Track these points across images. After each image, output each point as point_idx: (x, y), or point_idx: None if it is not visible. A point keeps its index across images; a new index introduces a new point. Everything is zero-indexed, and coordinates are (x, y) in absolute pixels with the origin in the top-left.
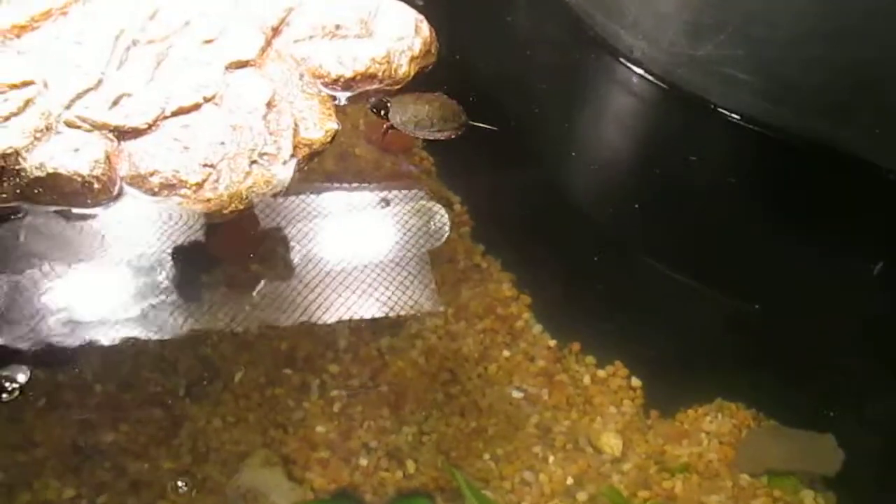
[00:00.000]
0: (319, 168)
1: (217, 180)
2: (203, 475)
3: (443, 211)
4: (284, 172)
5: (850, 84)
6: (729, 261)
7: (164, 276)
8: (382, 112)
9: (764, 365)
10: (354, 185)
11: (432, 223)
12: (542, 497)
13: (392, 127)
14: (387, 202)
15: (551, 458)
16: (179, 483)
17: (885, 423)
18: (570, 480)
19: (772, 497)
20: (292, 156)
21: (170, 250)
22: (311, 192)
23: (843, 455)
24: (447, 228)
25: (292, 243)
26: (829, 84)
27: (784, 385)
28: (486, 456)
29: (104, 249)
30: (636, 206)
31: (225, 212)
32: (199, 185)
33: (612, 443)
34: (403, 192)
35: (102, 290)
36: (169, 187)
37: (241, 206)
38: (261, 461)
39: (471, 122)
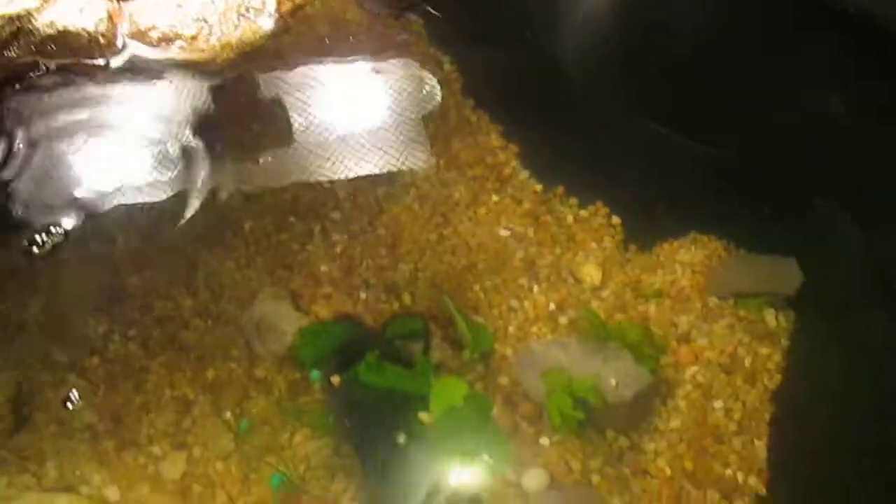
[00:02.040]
0: (312, 32)
1: (209, 33)
2: (219, 310)
3: (430, 75)
4: (269, 24)
5: None
6: (701, 104)
7: (172, 136)
8: None
9: (736, 202)
10: (346, 48)
11: (423, 85)
12: (526, 321)
13: None
14: (377, 69)
15: (535, 288)
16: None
17: (839, 248)
18: (552, 306)
19: (737, 316)
20: (276, 9)
21: (175, 110)
22: (305, 56)
23: (802, 276)
24: (437, 90)
25: (290, 106)
26: None
27: (754, 219)
28: (476, 287)
29: (116, 104)
30: (615, 40)
31: (219, 60)
32: (194, 38)
33: (592, 273)
34: (394, 56)
35: (116, 149)
36: (167, 40)
37: (233, 55)
38: (270, 296)
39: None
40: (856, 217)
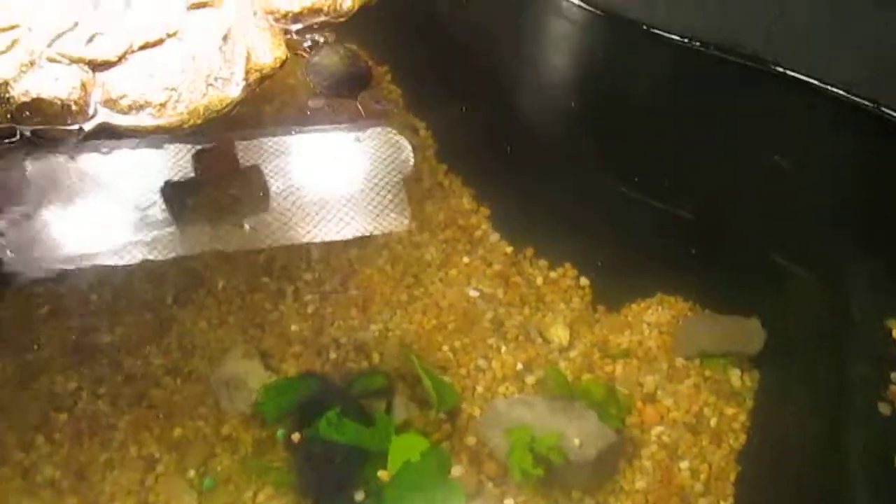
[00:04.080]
0: (292, 101)
1: (178, 101)
2: (189, 368)
3: (406, 141)
4: (236, 92)
5: None
6: (666, 169)
7: (149, 199)
8: (310, 48)
9: (701, 261)
10: (323, 115)
11: (398, 150)
12: (494, 381)
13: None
14: (354, 135)
15: (504, 348)
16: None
17: (800, 305)
18: (520, 366)
19: (703, 376)
20: (244, 79)
21: (154, 173)
22: (281, 122)
23: (765, 335)
24: (412, 156)
25: (266, 170)
26: None
27: (718, 278)
28: (445, 347)
29: (91, 170)
30: (579, 105)
31: (185, 126)
32: (163, 105)
33: (560, 333)
34: (371, 122)
35: (93, 210)
36: (137, 108)
37: (199, 121)
38: (241, 354)
39: (358, 100)
40: (816, 272)
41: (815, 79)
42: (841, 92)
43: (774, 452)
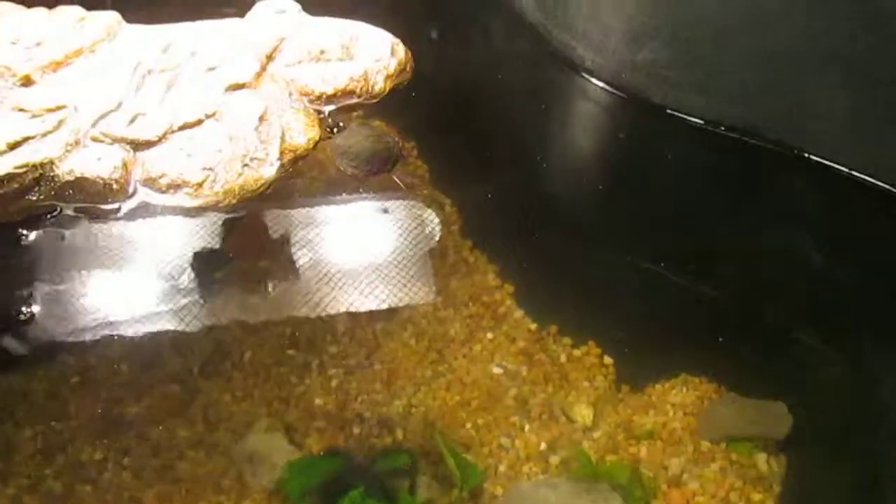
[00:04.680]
0: (321, 174)
1: (214, 180)
2: (214, 441)
3: (432, 216)
4: (271, 172)
5: (767, 78)
6: (690, 250)
7: (178, 271)
8: (335, 130)
9: (726, 342)
10: (352, 188)
11: (424, 225)
12: (517, 460)
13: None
14: (382, 209)
15: (527, 427)
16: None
17: (827, 389)
18: (543, 446)
19: (729, 460)
20: (278, 159)
21: (186, 246)
22: (312, 196)
23: (792, 420)
24: (438, 231)
25: (294, 243)
26: (748, 76)
27: (743, 359)
28: (469, 425)
29: (125, 243)
30: (604, 186)
31: (221, 205)
32: (200, 185)
33: (584, 413)
34: (399, 197)
35: (126, 282)
36: (174, 187)
37: (234, 200)
38: (265, 428)
39: (394, 176)
40: (843, 356)
41: (839, 164)
42: (866, 177)
43: None
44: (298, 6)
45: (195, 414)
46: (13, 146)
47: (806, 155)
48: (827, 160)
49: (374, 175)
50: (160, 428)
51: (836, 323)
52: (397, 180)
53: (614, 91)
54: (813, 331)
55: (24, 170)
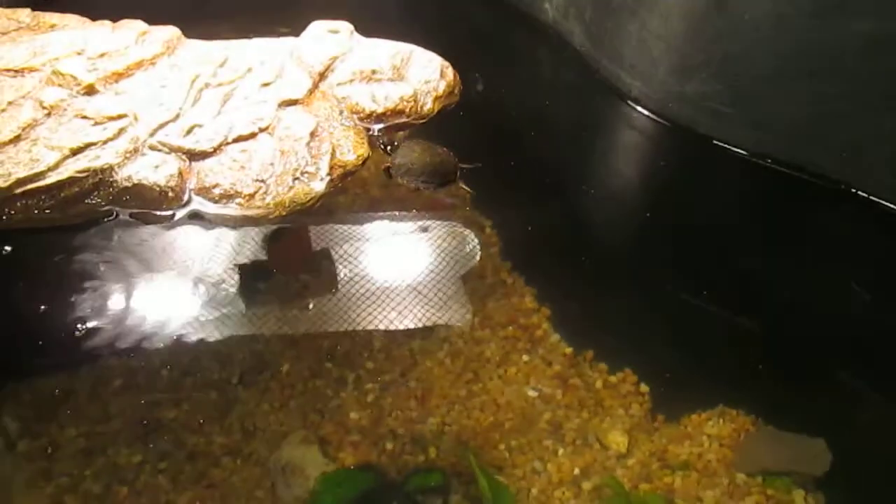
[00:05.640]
0: (364, 192)
1: (265, 192)
2: (249, 450)
3: (472, 237)
4: (320, 187)
5: (818, 113)
6: (730, 279)
7: (224, 280)
8: (389, 149)
9: (764, 375)
10: (395, 207)
11: (464, 245)
12: (549, 485)
13: (390, 167)
14: (423, 227)
15: (561, 451)
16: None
17: (867, 427)
18: (576, 471)
19: (765, 495)
20: (328, 174)
21: (233, 256)
22: (355, 213)
23: (831, 457)
24: (477, 251)
25: (336, 258)
26: (799, 113)
27: (782, 393)
28: (502, 446)
29: (175, 250)
30: (647, 214)
31: (270, 217)
32: (251, 196)
33: (618, 440)
34: (440, 217)
35: (172, 289)
36: (227, 197)
37: (284, 213)
38: (299, 440)
39: (461, 165)
40: (884, 394)
41: (887, 200)
42: None
43: None
44: (352, 27)
45: (232, 422)
46: (76, 151)
47: (853, 190)
48: (874, 196)
49: (443, 187)
50: (197, 434)
51: (880, 362)
52: (433, 201)
53: (660, 120)
54: (855, 369)
55: (85, 174)
